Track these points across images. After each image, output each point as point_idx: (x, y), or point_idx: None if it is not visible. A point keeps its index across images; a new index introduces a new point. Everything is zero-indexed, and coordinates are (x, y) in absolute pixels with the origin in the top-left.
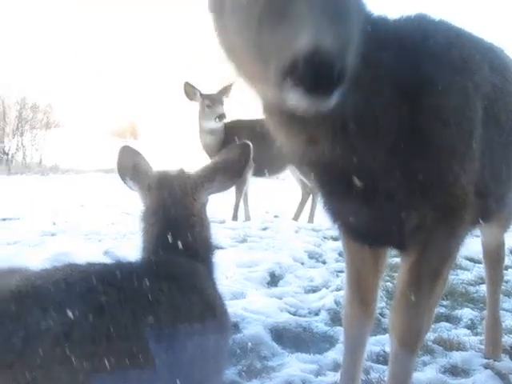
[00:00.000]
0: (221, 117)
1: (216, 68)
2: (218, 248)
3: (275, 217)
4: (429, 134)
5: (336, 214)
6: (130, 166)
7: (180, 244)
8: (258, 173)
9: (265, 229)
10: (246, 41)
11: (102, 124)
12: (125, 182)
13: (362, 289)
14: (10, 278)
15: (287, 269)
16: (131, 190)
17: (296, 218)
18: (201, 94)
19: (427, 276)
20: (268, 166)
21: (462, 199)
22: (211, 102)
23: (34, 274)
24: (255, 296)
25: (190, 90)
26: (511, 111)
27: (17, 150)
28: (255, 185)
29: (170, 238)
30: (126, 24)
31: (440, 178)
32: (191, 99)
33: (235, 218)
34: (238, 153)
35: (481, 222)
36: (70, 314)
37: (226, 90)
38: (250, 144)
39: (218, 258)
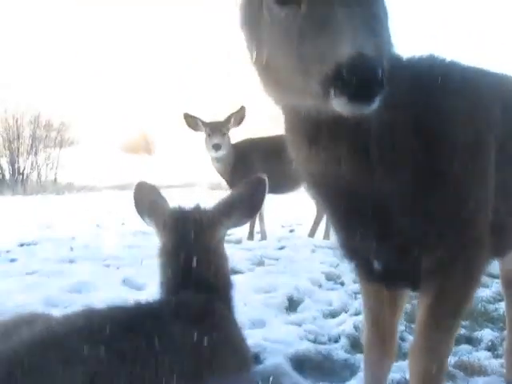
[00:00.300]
0: (215, 147)
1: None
2: (235, 272)
3: (291, 231)
4: (443, 174)
5: (351, 252)
6: (147, 203)
7: (199, 282)
8: (273, 190)
9: (281, 248)
10: (287, 53)
11: (114, 139)
12: (143, 219)
13: (380, 331)
14: (33, 326)
15: (305, 292)
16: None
17: (312, 234)
18: (202, 123)
19: (445, 317)
20: (282, 183)
21: (478, 241)
22: (211, 131)
23: (56, 321)
24: (275, 324)
25: (190, 121)
26: None
27: (31, 169)
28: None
29: (188, 275)
30: (133, 28)
31: (455, 219)
32: (195, 129)
33: (251, 237)
34: (254, 188)
35: (498, 257)
36: (92, 364)
37: (230, 118)
38: (266, 178)
39: (236, 282)
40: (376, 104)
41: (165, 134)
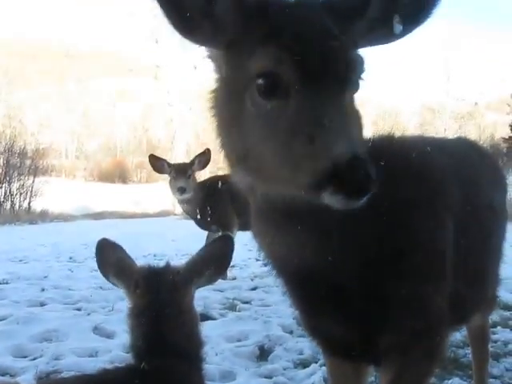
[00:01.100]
0: (180, 190)
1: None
2: (207, 318)
3: (265, 265)
4: (402, 258)
5: (313, 330)
6: (113, 262)
7: (171, 346)
8: (242, 227)
9: (254, 289)
10: (275, 146)
11: (89, 168)
12: (107, 279)
13: None
14: None
15: (276, 340)
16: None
17: None
18: (168, 165)
19: None
20: (247, 220)
21: (438, 319)
22: (175, 174)
23: None
24: (245, 376)
25: (156, 163)
26: (481, 220)
27: (5, 198)
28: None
29: (161, 339)
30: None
31: (415, 301)
32: (160, 172)
33: (224, 275)
34: (222, 246)
35: (463, 325)
36: None
37: (195, 160)
38: (232, 236)
39: (208, 329)
40: (365, 200)
41: (139, 162)
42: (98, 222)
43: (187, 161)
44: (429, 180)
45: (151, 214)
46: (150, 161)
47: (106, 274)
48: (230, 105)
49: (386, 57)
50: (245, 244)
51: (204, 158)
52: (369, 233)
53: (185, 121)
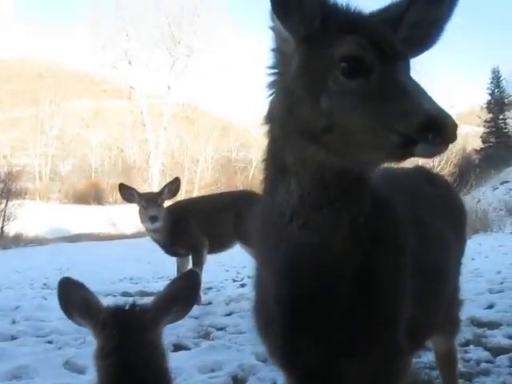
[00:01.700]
0: (152, 219)
1: None
2: (181, 348)
3: (242, 286)
4: (372, 292)
5: (281, 358)
6: (78, 302)
7: None
8: (211, 249)
9: (229, 314)
10: (364, 116)
11: (64, 190)
12: (71, 319)
13: None
14: None
15: (250, 370)
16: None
17: None
18: (137, 194)
19: None
20: (217, 241)
21: (400, 348)
22: (146, 203)
23: None
24: None
25: (125, 192)
26: (432, 251)
27: None
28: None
29: (130, 381)
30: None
31: (380, 332)
32: (129, 201)
33: (199, 300)
34: (188, 281)
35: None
36: None
37: (164, 189)
38: (198, 271)
39: (181, 360)
40: None
41: (115, 183)
42: (73, 244)
43: (163, 181)
44: (395, 219)
45: (128, 235)
46: (119, 190)
47: (69, 315)
48: (308, 87)
49: None
50: (222, 265)
51: (174, 186)
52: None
53: (159, 141)
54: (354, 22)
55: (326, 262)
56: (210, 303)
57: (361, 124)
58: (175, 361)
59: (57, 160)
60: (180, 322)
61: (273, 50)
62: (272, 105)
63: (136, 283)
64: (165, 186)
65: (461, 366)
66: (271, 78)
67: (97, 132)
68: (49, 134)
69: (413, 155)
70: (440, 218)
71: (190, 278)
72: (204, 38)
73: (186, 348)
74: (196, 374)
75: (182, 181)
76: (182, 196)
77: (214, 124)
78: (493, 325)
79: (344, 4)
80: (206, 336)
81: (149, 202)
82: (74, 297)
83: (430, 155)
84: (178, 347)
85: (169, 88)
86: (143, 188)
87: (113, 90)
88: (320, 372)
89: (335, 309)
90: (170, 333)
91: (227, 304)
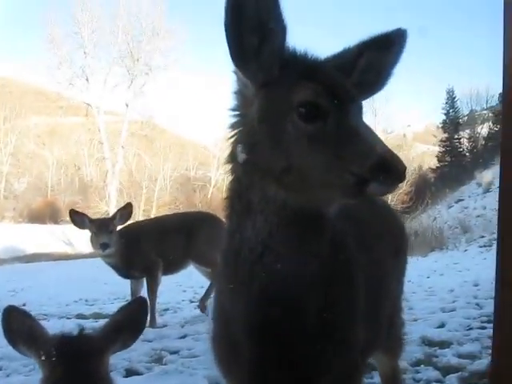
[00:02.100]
0: (103, 246)
1: None
2: (133, 373)
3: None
4: (332, 317)
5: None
6: (22, 331)
7: None
8: (165, 271)
9: (183, 337)
10: (320, 158)
11: (19, 208)
12: (16, 349)
13: None
14: None
15: None
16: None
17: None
18: (89, 220)
19: None
20: (170, 263)
21: (357, 368)
22: (97, 230)
23: None
24: None
25: (76, 218)
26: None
27: None
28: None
29: None
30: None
31: (343, 356)
32: (81, 227)
33: (153, 323)
34: (136, 309)
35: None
36: None
37: (116, 215)
38: (146, 299)
39: None
40: None
41: (71, 202)
42: (28, 265)
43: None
44: (349, 251)
45: (85, 254)
46: (70, 216)
47: (14, 344)
48: (268, 130)
49: None
50: (179, 285)
51: (126, 211)
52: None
53: (117, 159)
54: (310, 68)
55: (297, 296)
56: (164, 326)
57: (317, 165)
58: None
59: (11, 178)
60: (133, 346)
61: (234, 93)
62: (234, 145)
63: (91, 305)
64: (117, 211)
65: None
66: (233, 120)
67: (53, 149)
68: (3, 150)
69: (366, 193)
70: (379, 240)
71: (137, 306)
72: (163, 56)
73: (138, 373)
74: None
75: (140, 199)
76: (139, 214)
77: (172, 142)
78: (444, 344)
79: (301, 51)
80: (159, 360)
81: (100, 229)
82: (18, 326)
83: (382, 193)
84: (129, 372)
85: (127, 106)
86: (100, 207)
87: (69, 107)
88: None
89: (305, 339)
90: (122, 357)
91: (182, 326)
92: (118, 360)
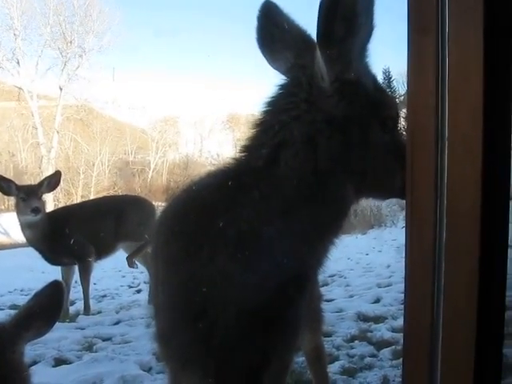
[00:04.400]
0: (35, 210)
1: None
2: (62, 362)
3: (138, 292)
4: None
5: None
6: None
7: None
8: (97, 256)
9: (117, 323)
10: (396, 164)
11: None
12: None
13: None
14: None
15: (133, 381)
16: None
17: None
18: (16, 187)
19: None
20: (101, 247)
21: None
22: (26, 195)
23: None
24: None
25: (3, 184)
26: None
27: None
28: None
29: None
30: None
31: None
32: (7, 194)
33: (87, 310)
34: (51, 295)
35: None
36: None
37: (44, 182)
38: (63, 283)
39: (62, 375)
40: None
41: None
42: None
43: None
44: None
45: (21, 243)
46: None
47: None
48: (348, 134)
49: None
50: (118, 270)
51: (54, 179)
52: None
53: (52, 145)
54: (388, 84)
55: None
56: (99, 312)
57: (388, 169)
58: (54, 377)
59: None
60: (64, 334)
61: (306, 83)
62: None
63: (27, 295)
64: (44, 178)
65: (345, 362)
66: (297, 109)
67: None
68: None
69: None
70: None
71: (52, 291)
72: (97, 37)
73: (68, 362)
74: None
75: (78, 185)
76: (78, 200)
77: (109, 126)
78: (378, 319)
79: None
80: (90, 348)
81: (29, 194)
82: None
83: None
84: (59, 361)
85: (61, 89)
86: None
87: (0, 92)
88: None
89: None
90: (52, 346)
91: (117, 312)
92: (47, 349)
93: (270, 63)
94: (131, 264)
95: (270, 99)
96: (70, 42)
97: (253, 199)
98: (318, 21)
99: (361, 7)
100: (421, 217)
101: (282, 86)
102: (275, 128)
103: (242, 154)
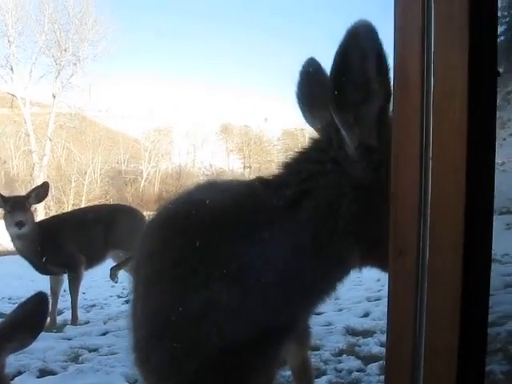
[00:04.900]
0: (19, 224)
1: None
2: (47, 373)
3: (127, 302)
4: None
5: None
6: None
7: None
8: (87, 264)
9: (105, 333)
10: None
11: None
12: None
13: None
14: None
15: None
16: None
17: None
18: (3, 198)
19: None
20: (91, 256)
21: None
22: (11, 208)
23: None
24: None
25: None
26: None
27: None
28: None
29: None
30: None
31: None
32: None
33: (75, 320)
34: (35, 306)
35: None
36: None
37: (32, 193)
38: (47, 294)
39: None
40: None
41: None
42: None
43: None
44: None
45: (11, 251)
46: None
47: None
48: (374, 207)
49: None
50: (107, 280)
51: (42, 190)
52: None
53: (45, 152)
54: None
55: None
56: (86, 322)
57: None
58: None
59: None
60: (50, 344)
61: (337, 148)
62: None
63: (15, 303)
64: (32, 189)
65: (333, 377)
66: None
67: None
68: None
69: None
70: None
71: (36, 303)
72: (91, 46)
73: (53, 373)
74: None
75: (69, 193)
76: (69, 209)
77: (102, 135)
78: (367, 333)
79: None
80: (75, 359)
81: (14, 207)
82: None
83: None
84: (43, 372)
85: (54, 97)
86: None
87: None
88: None
89: None
90: (37, 356)
91: (105, 323)
92: (32, 360)
93: (306, 119)
94: (114, 276)
95: (301, 149)
96: (65, 50)
97: (263, 237)
98: (330, 86)
99: (372, 73)
100: (404, 234)
101: (315, 141)
102: (302, 175)
103: (261, 184)
